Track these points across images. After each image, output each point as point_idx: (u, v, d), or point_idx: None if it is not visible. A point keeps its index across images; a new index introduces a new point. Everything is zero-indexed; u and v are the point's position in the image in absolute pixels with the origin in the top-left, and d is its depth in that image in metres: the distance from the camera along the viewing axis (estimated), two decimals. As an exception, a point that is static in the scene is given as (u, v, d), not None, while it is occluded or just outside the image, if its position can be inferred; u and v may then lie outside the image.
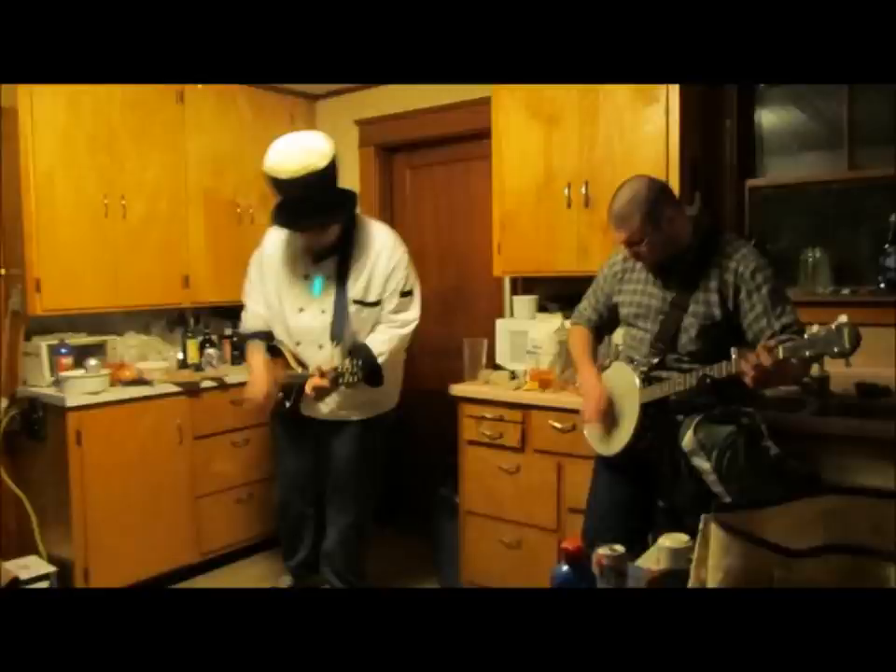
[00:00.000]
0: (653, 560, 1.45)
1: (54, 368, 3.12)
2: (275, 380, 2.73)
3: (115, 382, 3.16)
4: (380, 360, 2.64)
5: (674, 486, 2.05)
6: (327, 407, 2.75)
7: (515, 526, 2.91)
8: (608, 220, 2.08)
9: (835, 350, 1.60)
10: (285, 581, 3.11)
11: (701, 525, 1.02)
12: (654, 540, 1.53)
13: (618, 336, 2.39)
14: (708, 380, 1.89)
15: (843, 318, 1.60)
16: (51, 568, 2.98)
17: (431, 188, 3.94)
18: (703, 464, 1.93)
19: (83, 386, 3.02)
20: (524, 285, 3.44)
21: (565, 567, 1.27)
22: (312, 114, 4.18)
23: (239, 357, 3.70)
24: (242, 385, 2.97)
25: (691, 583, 1.05)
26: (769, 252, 2.71)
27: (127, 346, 3.45)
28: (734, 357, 1.80)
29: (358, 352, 2.60)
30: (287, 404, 2.79)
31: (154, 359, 3.49)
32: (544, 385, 2.88)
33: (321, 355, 2.68)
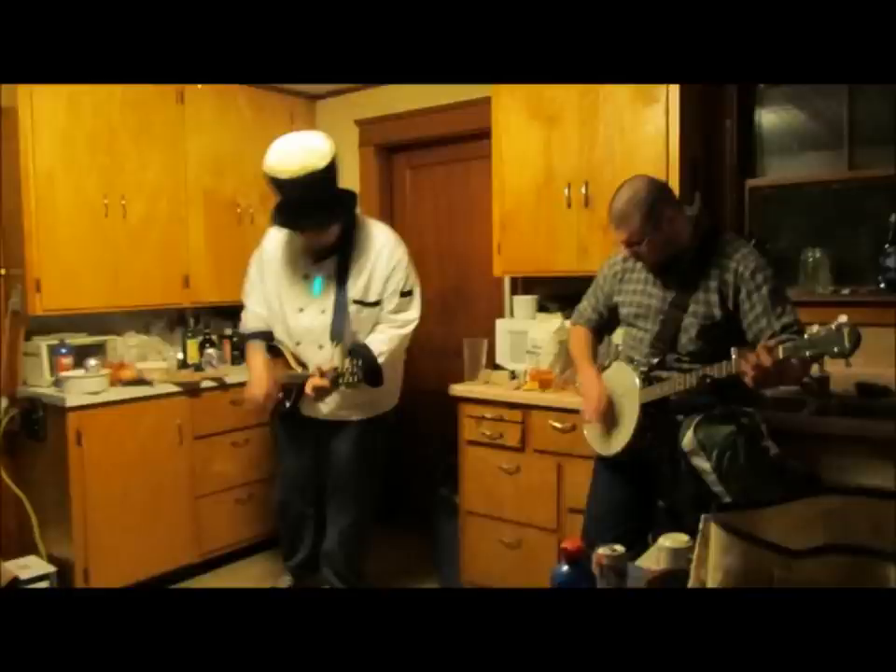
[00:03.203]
0: (653, 560, 1.45)
1: (54, 368, 3.12)
2: (275, 380, 2.73)
3: (115, 382, 3.16)
4: (380, 360, 2.64)
5: (674, 486, 2.05)
6: (327, 407, 2.75)
7: (515, 526, 2.91)
8: (608, 220, 2.08)
9: (835, 350, 1.60)
10: (285, 581, 3.10)
11: (701, 525, 1.02)
12: (654, 540, 1.53)
13: (618, 336, 2.39)
14: (708, 380, 1.89)
15: (843, 318, 1.61)
16: (51, 568, 2.98)
17: (431, 188, 3.94)
18: (703, 464, 1.93)
19: (83, 386, 3.01)
20: (524, 285, 3.44)
21: (565, 567, 1.26)
22: (312, 114, 4.18)
23: (239, 357, 3.70)
24: (242, 385, 2.98)
25: (691, 583, 1.05)
26: (769, 252, 2.71)
27: (127, 346, 3.45)
28: (734, 356, 1.80)
29: (358, 352, 2.60)
30: (287, 404, 2.79)
31: (154, 359, 3.49)
32: (544, 385, 2.88)
33: (321, 355, 2.68)
